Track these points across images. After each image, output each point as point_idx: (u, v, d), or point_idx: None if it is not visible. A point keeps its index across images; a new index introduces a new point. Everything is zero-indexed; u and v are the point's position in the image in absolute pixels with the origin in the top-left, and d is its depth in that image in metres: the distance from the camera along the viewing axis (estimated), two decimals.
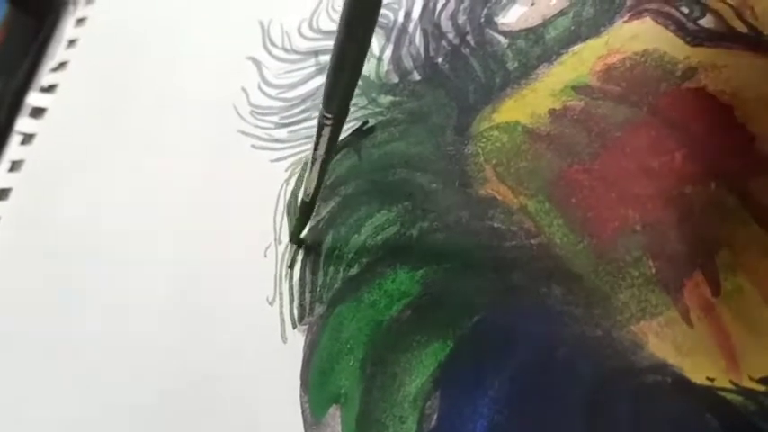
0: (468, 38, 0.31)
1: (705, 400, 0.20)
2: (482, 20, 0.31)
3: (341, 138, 0.26)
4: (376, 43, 0.34)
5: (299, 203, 0.30)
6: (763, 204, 0.22)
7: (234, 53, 0.38)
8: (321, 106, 0.24)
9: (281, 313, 0.29)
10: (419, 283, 0.26)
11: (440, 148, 0.29)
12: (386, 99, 0.32)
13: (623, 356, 0.22)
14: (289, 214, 0.31)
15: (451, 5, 0.33)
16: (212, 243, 0.32)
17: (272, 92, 0.36)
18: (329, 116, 0.24)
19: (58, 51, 0.47)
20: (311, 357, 0.27)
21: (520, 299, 0.24)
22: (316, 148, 0.26)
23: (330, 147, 0.25)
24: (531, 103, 0.28)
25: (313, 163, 0.26)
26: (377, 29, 0.34)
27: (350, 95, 0.24)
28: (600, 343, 0.22)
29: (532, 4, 0.31)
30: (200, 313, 0.30)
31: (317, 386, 0.26)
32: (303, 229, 0.30)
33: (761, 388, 0.20)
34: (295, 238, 0.30)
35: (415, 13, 0.34)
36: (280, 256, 0.30)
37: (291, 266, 0.29)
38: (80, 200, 0.38)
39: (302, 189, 0.29)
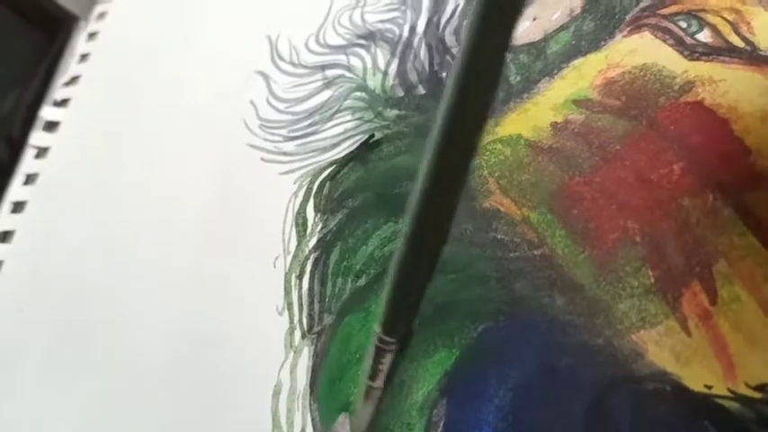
0: None
1: (703, 408, 0.21)
2: None
3: (348, 151, 0.27)
4: (381, 57, 0.35)
5: None
6: (759, 216, 0.22)
7: (243, 67, 0.39)
8: (377, 327, 0.19)
9: (291, 323, 0.29)
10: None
11: None
12: (391, 113, 0.32)
13: (624, 365, 0.22)
14: (296, 226, 0.32)
15: (455, 20, 0.34)
16: (222, 254, 0.33)
17: (281, 106, 0.36)
18: (391, 341, 0.19)
19: (70, 66, 0.48)
20: (320, 366, 0.28)
21: (523, 309, 0.25)
22: (372, 379, 0.20)
23: (390, 377, 0.20)
24: (533, 117, 0.29)
25: (367, 395, 0.21)
26: (382, 43, 0.35)
27: (418, 309, 0.18)
28: (601, 352, 0.23)
29: (534, 19, 0.31)
30: (210, 323, 0.31)
31: (326, 395, 0.27)
32: None
33: (757, 395, 0.20)
34: None
35: (420, 28, 0.34)
36: (288, 267, 0.31)
37: (300, 277, 0.30)
38: (94, 211, 0.39)
39: (350, 422, 0.24)
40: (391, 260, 0.17)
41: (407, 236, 0.16)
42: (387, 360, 0.19)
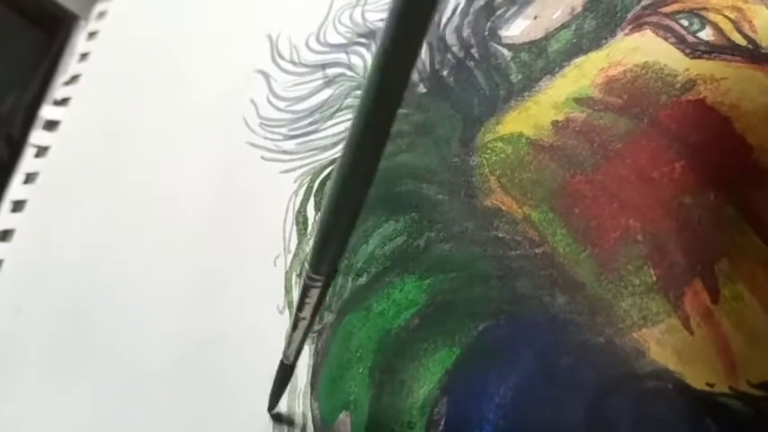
0: (473, 51, 0.32)
1: (705, 406, 0.21)
2: (486, 33, 0.32)
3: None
4: None
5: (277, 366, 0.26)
6: (760, 214, 0.22)
7: (243, 66, 0.39)
8: (307, 265, 0.21)
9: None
10: (426, 292, 0.27)
11: (445, 160, 0.30)
12: None
13: (625, 363, 0.22)
14: (297, 224, 0.32)
15: (456, 19, 0.34)
16: (223, 253, 0.33)
17: (281, 104, 0.36)
18: (318, 278, 0.20)
19: (70, 65, 0.48)
20: (321, 365, 0.28)
21: (524, 307, 0.25)
22: (300, 310, 0.22)
23: (316, 311, 0.22)
24: (534, 115, 0.29)
25: (295, 325, 0.23)
26: None
27: (342, 254, 0.20)
28: (603, 350, 0.23)
29: (535, 18, 0.31)
30: (211, 322, 0.31)
31: (327, 393, 0.27)
32: (281, 396, 0.27)
33: (759, 393, 0.20)
34: (272, 406, 0.27)
35: None
36: (289, 266, 0.31)
37: (301, 275, 0.30)
38: (94, 210, 0.39)
39: (282, 350, 0.25)
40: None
41: (333, 183, 0.18)
42: (313, 294, 0.21)
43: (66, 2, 0.50)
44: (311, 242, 0.20)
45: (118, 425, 0.31)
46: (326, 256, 0.20)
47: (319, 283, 0.21)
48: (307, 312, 0.22)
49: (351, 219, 0.19)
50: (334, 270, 0.21)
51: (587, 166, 0.26)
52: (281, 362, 0.25)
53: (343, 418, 0.26)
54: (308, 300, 0.21)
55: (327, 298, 0.29)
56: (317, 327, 0.28)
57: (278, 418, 0.27)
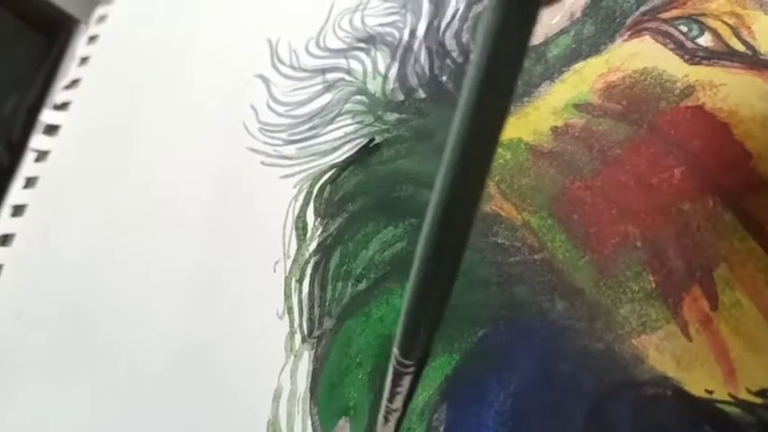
0: (472, 56, 0.32)
1: (704, 413, 0.21)
2: None
3: (348, 155, 0.27)
4: (381, 61, 0.35)
5: None
6: (759, 221, 0.22)
7: (243, 71, 0.39)
8: (395, 349, 0.18)
9: (291, 327, 0.29)
10: None
11: None
12: (392, 116, 0.32)
13: (624, 370, 0.22)
14: (297, 229, 0.32)
15: (455, 24, 0.34)
16: (222, 258, 0.33)
17: (281, 109, 0.36)
18: (410, 363, 0.18)
19: (70, 69, 0.48)
20: (321, 371, 0.28)
21: (524, 313, 0.25)
22: (390, 401, 0.20)
23: (408, 400, 0.20)
24: (533, 121, 0.29)
25: (386, 418, 0.21)
26: (382, 46, 0.35)
27: (435, 333, 0.18)
28: (602, 357, 0.23)
29: None
30: (210, 327, 0.31)
31: (327, 399, 0.27)
32: None
33: (758, 400, 0.20)
34: None
35: (420, 32, 0.34)
36: (288, 271, 0.31)
37: (300, 281, 0.30)
38: (94, 215, 0.39)
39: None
40: (407, 284, 0.17)
41: (421, 261, 0.15)
42: (405, 383, 0.19)
43: (67, 6, 0.51)
44: (399, 326, 0.18)
45: (118, 426, 0.31)
46: (419, 339, 0.18)
47: (412, 370, 0.19)
48: (398, 403, 0.20)
49: (441, 302, 0.17)
50: (428, 354, 0.19)
51: (586, 172, 0.26)
52: None
53: (343, 423, 0.26)
54: (399, 389, 0.19)
55: (327, 304, 0.29)
56: (316, 333, 0.28)
57: None
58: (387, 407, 0.20)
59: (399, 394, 0.20)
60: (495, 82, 0.12)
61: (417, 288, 0.16)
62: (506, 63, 0.12)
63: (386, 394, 0.20)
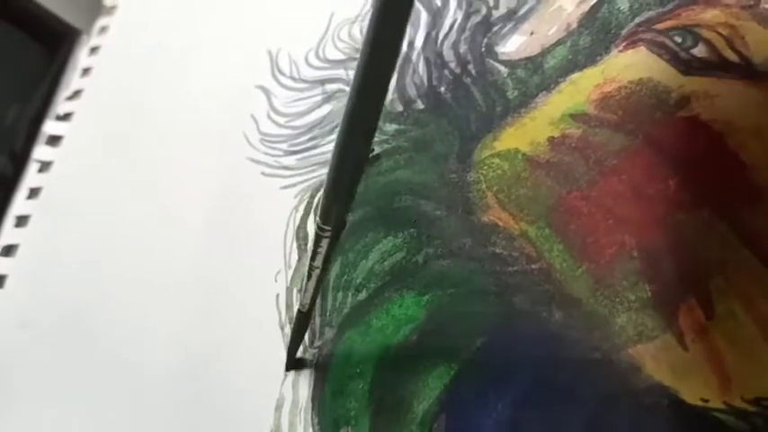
0: (470, 67, 0.32)
1: (700, 421, 0.21)
2: (483, 49, 0.33)
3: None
4: None
5: (294, 315, 0.29)
6: (753, 231, 0.23)
7: (243, 82, 0.40)
8: (317, 218, 0.23)
9: None
10: (425, 307, 0.27)
11: (443, 176, 0.30)
12: (390, 127, 0.33)
13: (622, 379, 0.23)
14: (297, 240, 0.32)
15: (453, 35, 0.34)
16: (224, 268, 0.33)
17: (281, 120, 0.37)
18: (327, 228, 0.22)
19: (72, 80, 0.48)
20: (322, 380, 0.28)
21: (522, 323, 0.25)
22: (312, 259, 0.24)
23: (327, 259, 0.24)
24: (530, 132, 0.29)
25: (310, 274, 0.25)
26: None
27: (349, 204, 0.22)
28: (599, 366, 0.23)
29: (531, 34, 0.32)
30: (212, 337, 0.31)
31: (328, 408, 0.27)
32: (299, 344, 0.28)
33: (753, 409, 0.21)
34: (291, 357, 0.29)
35: (419, 43, 0.35)
36: (289, 281, 0.31)
37: (301, 291, 0.30)
38: (97, 225, 0.39)
39: (298, 300, 0.27)
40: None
41: (336, 139, 0.20)
42: (324, 244, 0.23)
43: (69, 17, 0.51)
44: (321, 199, 0.22)
45: None
46: (334, 209, 0.22)
47: (328, 233, 0.23)
48: (319, 261, 0.24)
49: (354, 173, 0.21)
50: (343, 222, 0.23)
51: (583, 182, 0.27)
52: (299, 311, 0.27)
53: None
54: (319, 249, 0.23)
55: (328, 314, 0.29)
56: (317, 343, 0.29)
57: (299, 364, 0.29)
58: (310, 264, 0.24)
59: (320, 254, 0.24)
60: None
61: (333, 168, 0.21)
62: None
63: (309, 254, 0.24)
